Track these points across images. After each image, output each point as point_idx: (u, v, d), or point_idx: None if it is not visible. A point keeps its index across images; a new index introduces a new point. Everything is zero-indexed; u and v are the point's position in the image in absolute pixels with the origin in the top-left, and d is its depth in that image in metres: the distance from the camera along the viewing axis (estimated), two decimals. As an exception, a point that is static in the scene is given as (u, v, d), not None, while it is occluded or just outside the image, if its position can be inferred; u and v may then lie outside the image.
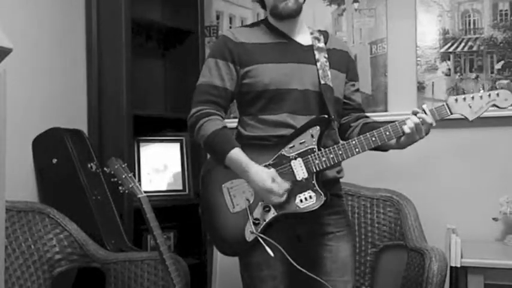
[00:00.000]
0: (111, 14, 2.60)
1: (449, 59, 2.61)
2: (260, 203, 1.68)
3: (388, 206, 2.49)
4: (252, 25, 1.86)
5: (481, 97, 1.65)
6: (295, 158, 1.67)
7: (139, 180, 2.24)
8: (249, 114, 1.77)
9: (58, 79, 2.56)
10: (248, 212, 1.68)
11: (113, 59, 2.59)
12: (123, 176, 1.94)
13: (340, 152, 1.66)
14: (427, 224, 2.42)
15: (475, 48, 2.57)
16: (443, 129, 2.52)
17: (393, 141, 1.68)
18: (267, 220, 1.67)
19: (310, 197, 1.65)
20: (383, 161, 2.38)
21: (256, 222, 1.67)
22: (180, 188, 2.90)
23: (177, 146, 2.94)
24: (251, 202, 1.69)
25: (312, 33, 1.82)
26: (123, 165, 1.96)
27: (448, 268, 2.09)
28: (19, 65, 2.23)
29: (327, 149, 1.67)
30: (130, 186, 1.93)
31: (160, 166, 2.89)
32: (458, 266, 2.15)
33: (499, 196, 2.40)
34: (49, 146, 2.39)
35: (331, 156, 1.66)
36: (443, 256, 2.07)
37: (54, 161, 2.36)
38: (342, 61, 1.84)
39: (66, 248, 2.22)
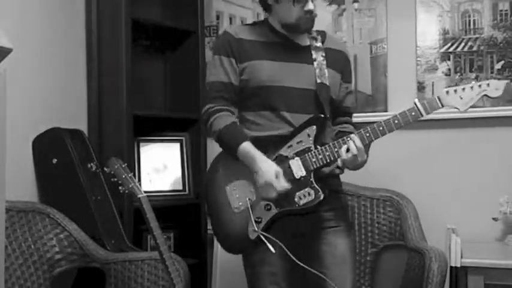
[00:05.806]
0: (111, 14, 2.60)
1: (449, 59, 2.60)
2: (261, 202, 1.72)
3: (388, 206, 2.49)
4: (254, 24, 1.92)
5: (471, 88, 1.68)
6: (293, 157, 1.72)
7: (139, 180, 2.23)
8: (248, 110, 1.81)
9: (58, 79, 2.55)
10: (250, 211, 1.72)
11: (113, 59, 2.58)
12: (123, 176, 1.94)
13: (336, 150, 1.70)
14: (427, 224, 2.41)
15: (475, 48, 2.57)
16: (443, 130, 2.53)
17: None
18: (268, 218, 1.71)
19: (309, 193, 1.69)
20: (383, 161, 2.39)
21: (258, 220, 1.71)
22: (180, 188, 2.89)
23: (177, 146, 2.93)
24: (253, 201, 1.73)
25: (309, 33, 1.86)
26: (123, 165, 1.96)
27: (448, 268, 2.09)
28: (19, 65, 2.22)
29: (323, 147, 1.71)
30: (130, 186, 1.93)
31: (160, 166, 2.88)
32: (458, 266, 2.15)
33: (499, 196, 2.40)
34: (49, 146, 2.39)
35: (327, 154, 1.70)
36: (443, 256, 2.07)
37: (54, 161, 2.36)
38: (339, 61, 1.88)
39: (66, 248, 2.22)
